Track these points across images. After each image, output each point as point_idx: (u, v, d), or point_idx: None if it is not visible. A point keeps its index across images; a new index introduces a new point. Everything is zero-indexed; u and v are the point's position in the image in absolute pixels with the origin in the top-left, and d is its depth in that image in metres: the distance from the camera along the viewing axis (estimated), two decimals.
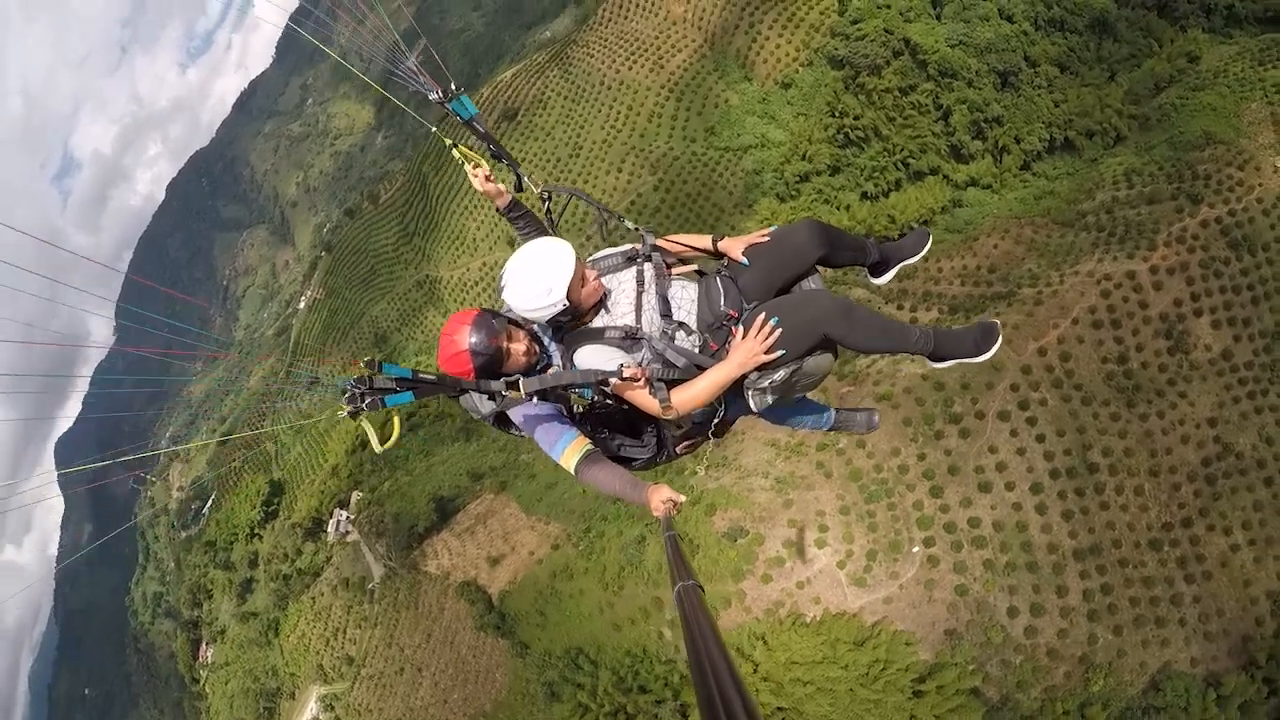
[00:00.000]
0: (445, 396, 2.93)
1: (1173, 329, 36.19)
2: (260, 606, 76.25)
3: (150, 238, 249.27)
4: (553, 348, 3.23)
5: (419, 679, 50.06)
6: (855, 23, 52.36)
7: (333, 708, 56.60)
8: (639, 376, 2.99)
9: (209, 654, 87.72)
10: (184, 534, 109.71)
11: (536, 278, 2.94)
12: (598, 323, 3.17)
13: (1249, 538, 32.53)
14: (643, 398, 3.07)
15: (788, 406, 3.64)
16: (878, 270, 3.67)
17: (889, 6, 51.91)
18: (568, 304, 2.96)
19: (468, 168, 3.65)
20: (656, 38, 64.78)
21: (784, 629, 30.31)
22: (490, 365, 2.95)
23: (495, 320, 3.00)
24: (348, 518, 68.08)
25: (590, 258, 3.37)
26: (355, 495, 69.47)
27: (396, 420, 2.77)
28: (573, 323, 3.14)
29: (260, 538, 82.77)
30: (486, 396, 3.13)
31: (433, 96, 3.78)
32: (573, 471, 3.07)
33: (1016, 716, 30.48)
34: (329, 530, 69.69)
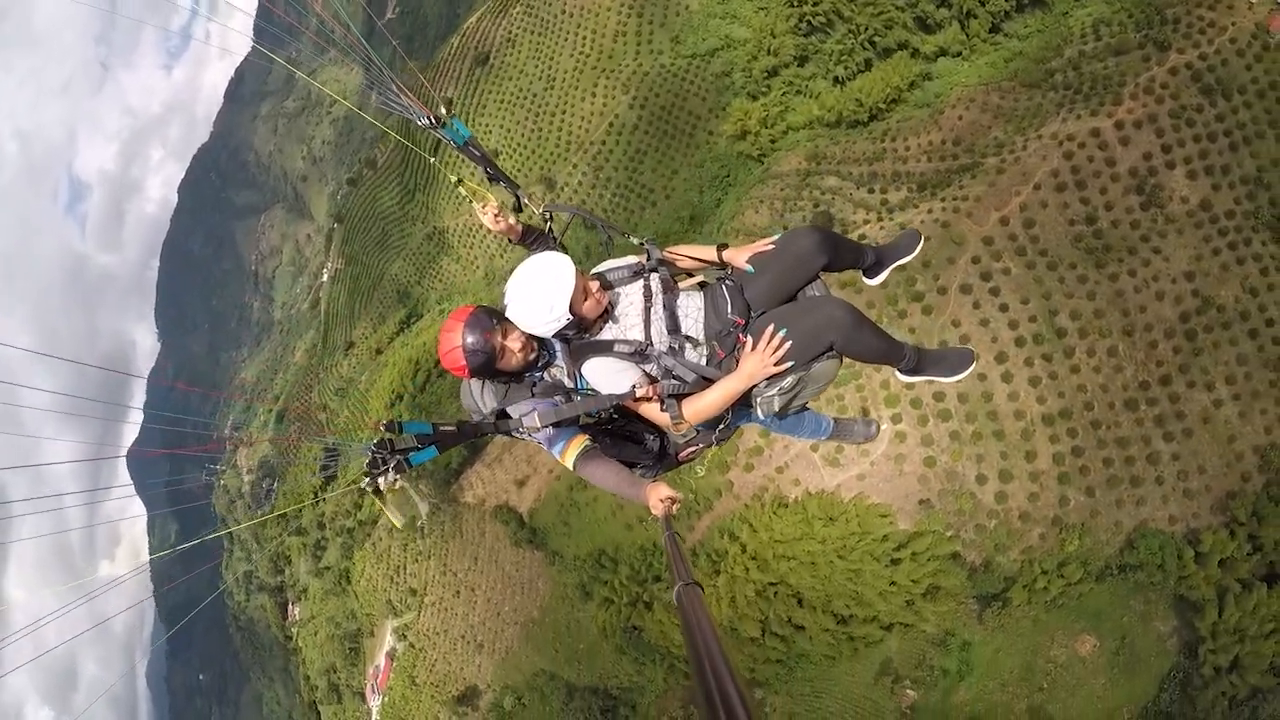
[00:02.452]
0: (466, 444, 3.64)
1: (1144, 184, 35.09)
2: (332, 560, 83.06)
3: (173, 241, 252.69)
4: (559, 348, 3.24)
5: (474, 598, 55.40)
6: None
7: (405, 636, 63.13)
8: (652, 396, 3.05)
9: (296, 612, 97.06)
10: (259, 512, 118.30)
11: (537, 295, 2.97)
12: (606, 335, 3.18)
13: (1233, 392, 31.67)
14: (654, 413, 3.16)
15: (792, 414, 3.69)
16: (872, 272, 3.80)
17: None
18: (571, 317, 2.99)
19: (476, 207, 3.58)
20: None
21: (767, 511, 32.84)
22: (487, 363, 2.98)
23: (491, 318, 3.00)
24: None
25: (596, 269, 3.40)
26: None
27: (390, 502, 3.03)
28: (579, 334, 3.16)
29: (324, 500, 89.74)
30: (489, 396, 3.19)
31: (422, 122, 3.65)
32: (571, 468, 3.12)
33: (998, 577, 32.04)
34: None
